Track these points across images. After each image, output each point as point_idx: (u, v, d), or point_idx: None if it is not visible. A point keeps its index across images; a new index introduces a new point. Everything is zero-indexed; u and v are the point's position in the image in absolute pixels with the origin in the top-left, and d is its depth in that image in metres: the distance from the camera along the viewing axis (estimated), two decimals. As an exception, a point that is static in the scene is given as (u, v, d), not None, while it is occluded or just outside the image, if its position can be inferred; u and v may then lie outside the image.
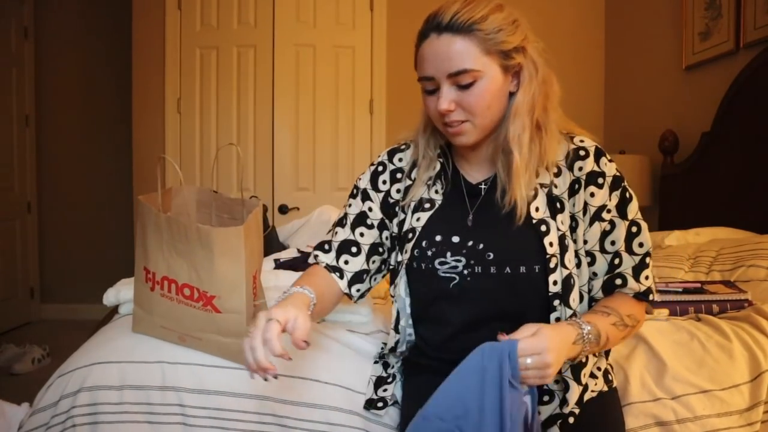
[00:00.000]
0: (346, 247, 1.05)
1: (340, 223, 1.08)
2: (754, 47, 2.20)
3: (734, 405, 1.10)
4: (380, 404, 1.04)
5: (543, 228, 0.92)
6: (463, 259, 0.94)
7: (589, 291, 0.97)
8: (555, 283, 0.91)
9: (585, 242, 0.95)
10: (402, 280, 1.01)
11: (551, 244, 0.91)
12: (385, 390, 1.06)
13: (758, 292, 1.47)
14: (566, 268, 0.92)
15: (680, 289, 1.39)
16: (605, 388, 0.99)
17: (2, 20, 3.57)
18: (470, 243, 0.95)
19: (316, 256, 1.07)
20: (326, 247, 1.07)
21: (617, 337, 0.92)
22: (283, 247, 2.28)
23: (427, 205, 1.01)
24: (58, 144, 3.91)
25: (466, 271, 0.94)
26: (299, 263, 1.74)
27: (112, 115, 3.85)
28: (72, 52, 3.88)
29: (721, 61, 2.43)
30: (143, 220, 1.08)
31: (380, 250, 1.08)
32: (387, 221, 1.07)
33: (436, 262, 0.96)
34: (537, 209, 0.93)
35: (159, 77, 3.22)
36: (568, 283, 0.92)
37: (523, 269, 0.91)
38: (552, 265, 0.90)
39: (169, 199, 1.20)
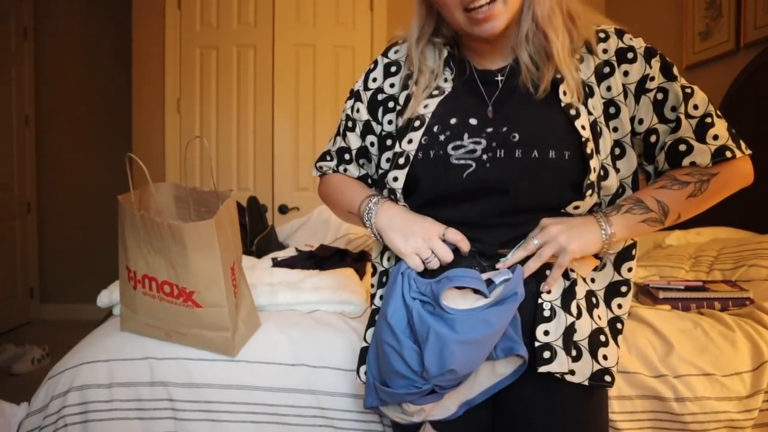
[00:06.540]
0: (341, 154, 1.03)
1: (339, 131, 1.04)
2: (754, 47, 2.20)
3: (735, 391, 1.12)
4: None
5: (573, 112, 0.83)
6: (484, 142, 0.83)
7: (655, 168, 0.89)
8: (595, 170, 0.81)
9: (641, 122, 0.87)
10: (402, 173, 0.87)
11: (583, 128, 0.82)
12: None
13: (760, 292, 1.46)
14: (600, 154, 0.83)
15: (682, 287, 1.39)
16: None
17: (2, 20, 3.57)
18: (491, 128, 0.84)
19: (320, 167, 1.05)
20: (328, 157, 1.05)
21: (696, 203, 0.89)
22: (282, 247, 2.28)
23: (435, 92, 0.90)
24: (58, 144, 3.91)
25: (485, 156, 0.83)
26: (296, 261, 1.75)
27: (112, 115, 3.84)
28: (72, 52, 3.88)
29: (722, 61, 2.42)
30: (122, 219, 1.09)
31: (367, 155, 1.01)
32: (373, 123, 0.98)
33: (450, 146, 0.84)
34: (564, 93, 0.84)
35: (159, 77, 3.22)
36: (599, 173, 0.84)
37: (552, 154, 0.81)
38: (588, 150, 0.81)
39: (148, 198, 1.20)
